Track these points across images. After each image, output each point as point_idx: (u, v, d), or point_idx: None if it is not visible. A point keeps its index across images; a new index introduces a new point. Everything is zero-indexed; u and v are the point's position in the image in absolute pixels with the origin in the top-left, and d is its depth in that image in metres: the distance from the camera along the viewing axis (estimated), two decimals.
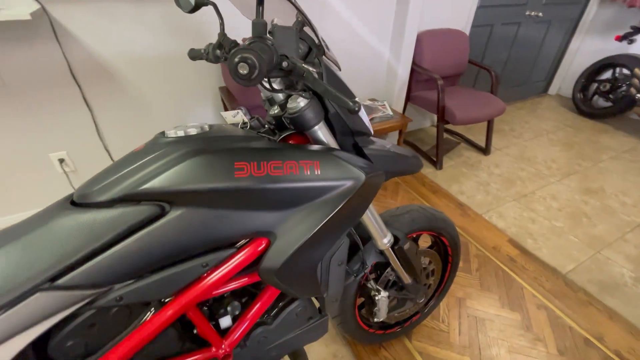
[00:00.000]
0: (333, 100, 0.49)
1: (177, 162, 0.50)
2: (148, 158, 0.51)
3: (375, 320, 0.98)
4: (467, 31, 2.46)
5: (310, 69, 0.50)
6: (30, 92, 1.41)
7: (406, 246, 0.88)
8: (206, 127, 0.57)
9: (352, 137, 0.69)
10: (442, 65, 2.27)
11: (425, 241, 1.53)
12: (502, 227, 1.76)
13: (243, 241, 0.57)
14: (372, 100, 2.28)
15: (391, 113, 2.11)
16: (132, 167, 0.50)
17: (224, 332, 0.66)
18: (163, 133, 0.55)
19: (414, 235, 1.06)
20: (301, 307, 0.74)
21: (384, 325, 1.18)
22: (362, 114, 0.68)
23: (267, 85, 0.55)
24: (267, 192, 0.53)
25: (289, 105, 0.60)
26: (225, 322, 0.66)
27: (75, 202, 0.50)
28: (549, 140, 2.65)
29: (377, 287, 0.95)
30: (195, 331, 0.63)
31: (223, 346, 0.64)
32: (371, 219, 0.80)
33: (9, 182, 1.58)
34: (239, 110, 0.64)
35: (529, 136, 2.71)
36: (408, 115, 2.65)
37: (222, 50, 0.58)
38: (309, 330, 0.78)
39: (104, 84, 1.54)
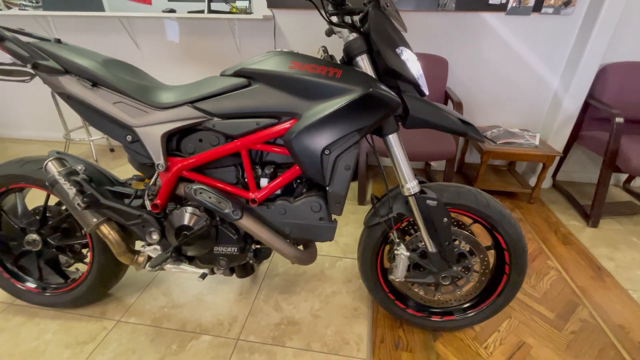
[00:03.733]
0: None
1: (265, 58, 0.85)
2: (260, 55, 0.89)
3: (391, 276, 1.02)
4: None
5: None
6: None
7: (431, 202, 0.91)
8: (297, 52, 0.91)
9: (395, 81, 0.85)
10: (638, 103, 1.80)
11: (484, 241, 1.34)
12: None
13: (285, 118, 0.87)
14: (524, 130, 2.06)
15: (536, 143, 1.86)
16: (250, 59, 0.89)
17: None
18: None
19: (458, 213, 1.03)
20: (315, 203, 0.94)
21: (405, 301, 1.16)
22: (409, 62, 0.83)
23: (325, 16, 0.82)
24: (302, 82, 0.80)
25: (344, 39, 0.85)
26: (263, 182, 0.96)
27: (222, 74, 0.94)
28: None
29: (399, 240, 1.00)
30: (245, 178, 0.97)
31: (254, 194, 0.94)
32: (398, 158, 0.90)
33: None
34: (320, 49, 0.95)
35: None
36: (574, 161, 2.20)
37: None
38: (317, 228, 0.97)
39: None
